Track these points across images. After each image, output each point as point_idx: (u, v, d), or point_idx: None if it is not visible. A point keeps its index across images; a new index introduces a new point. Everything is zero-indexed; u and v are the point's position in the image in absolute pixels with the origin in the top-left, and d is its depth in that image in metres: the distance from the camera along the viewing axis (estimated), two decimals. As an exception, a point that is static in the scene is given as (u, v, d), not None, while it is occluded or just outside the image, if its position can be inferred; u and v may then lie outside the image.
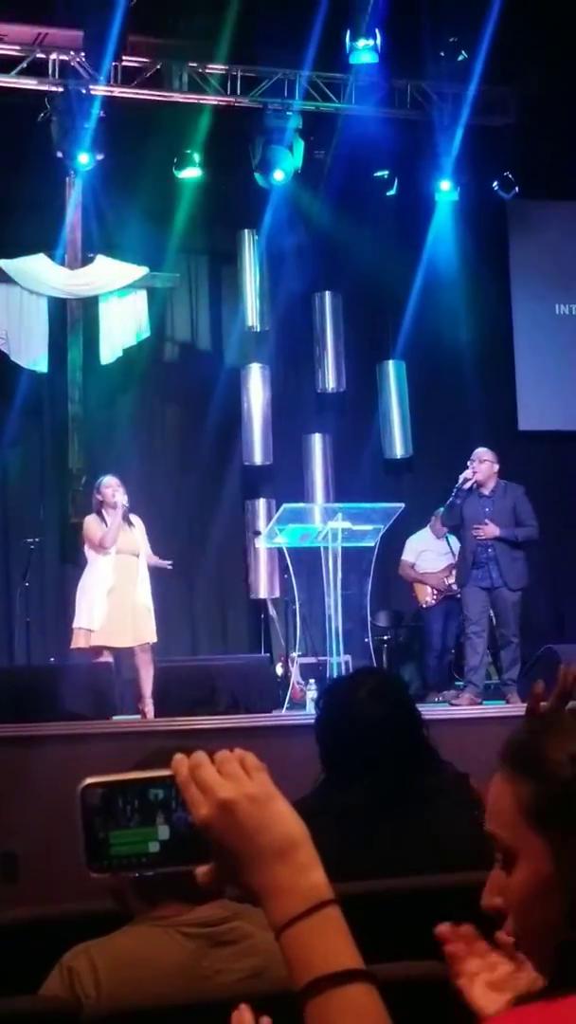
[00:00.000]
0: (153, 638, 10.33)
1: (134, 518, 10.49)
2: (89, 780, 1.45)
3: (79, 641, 10.32)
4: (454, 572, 11.55)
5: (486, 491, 10.34)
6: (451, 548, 11.50)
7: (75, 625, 10.39)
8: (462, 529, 10.39)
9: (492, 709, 9.58)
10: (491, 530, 10.16)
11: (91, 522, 10.48)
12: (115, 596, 10.20)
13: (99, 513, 10.40)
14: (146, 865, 1.45)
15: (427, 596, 12.02)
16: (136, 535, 10.41)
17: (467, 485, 10.24)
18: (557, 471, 14.21)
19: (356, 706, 3.57)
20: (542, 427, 14.31)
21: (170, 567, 10.72)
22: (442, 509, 10.95)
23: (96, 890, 2.93)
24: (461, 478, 10.30)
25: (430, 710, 8.99)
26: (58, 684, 9.22)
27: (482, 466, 10.37)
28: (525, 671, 10.40)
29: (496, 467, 10.47)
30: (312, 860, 1.41)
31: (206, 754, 1.46)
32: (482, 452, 10.56)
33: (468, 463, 10.47)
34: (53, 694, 8.98)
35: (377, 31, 12.30)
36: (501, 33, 12.13)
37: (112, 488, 10.36)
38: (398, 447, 13.69)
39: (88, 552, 10.47)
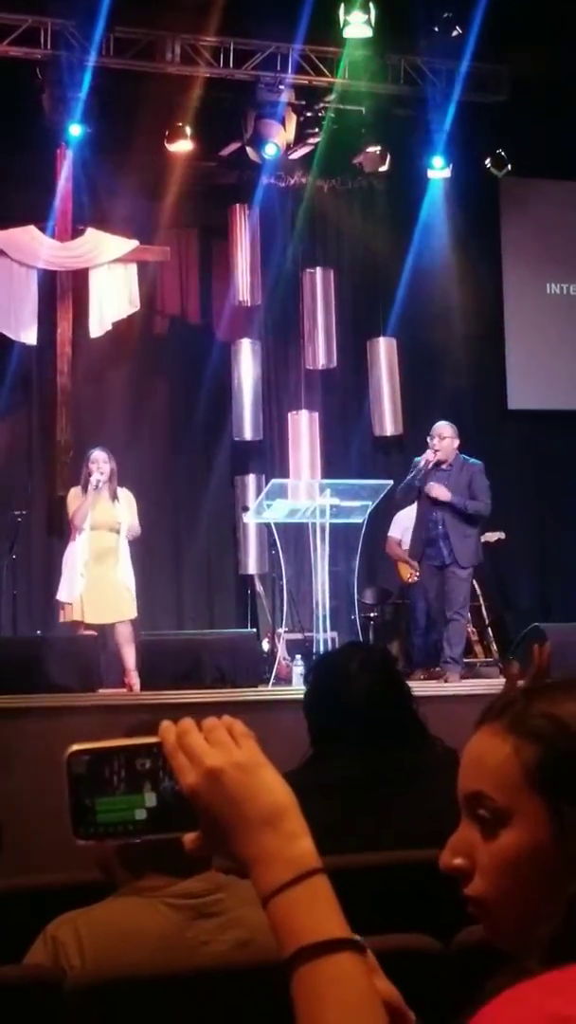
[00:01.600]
0: (131, 615, 10.31)
1: (123, 492, 10.44)
2: (75, 747, 1.43)
3: (64, 614, 10.37)
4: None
5: (444, 465, 10.31)
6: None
7: (58, 597, 10.43)
8: (419, 504, 10.33)
9: (481, 684, 9.59)
10: (441, 491, 10.12)
11: (71, 496, 10.49)
12: (90, 571, 10.17)
13: (85, 486, 10.38)
14: (132, 833, 1.42)
15: (408, 574, 12.01)
16: (119, 510, 10.35)
17: (430, 466, 10.19)
18: (545, 450, 14.22)
19: (346, 679, 3.58)
20: (531, 406, 14.31)
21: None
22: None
23: (80, 861, 2.92)
24: (422, 460, 10.23)
25: (417, 687, 9.02)
26: (44, 656, 9.20)
27: (443, 443, 10.33)
28: (512, 650, 10.42)
29: (456, 442, 10.43)
30: (300, 829, 1.39)
31: (194, 721, 1.44)
32: (443, 428, 10.53)
33: (428, 439, 10.43)
34: (39, 666, 8.96)
35: (371, 5, 12.26)
36: (495, 9, 12.09)
37: (98, 463, 10.32)
38: (388, 424, 13.67)
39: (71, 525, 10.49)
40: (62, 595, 10.42)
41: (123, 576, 10.34)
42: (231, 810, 1.38)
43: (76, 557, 10.29)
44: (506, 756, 1.47)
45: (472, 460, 10.42)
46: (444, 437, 10.34)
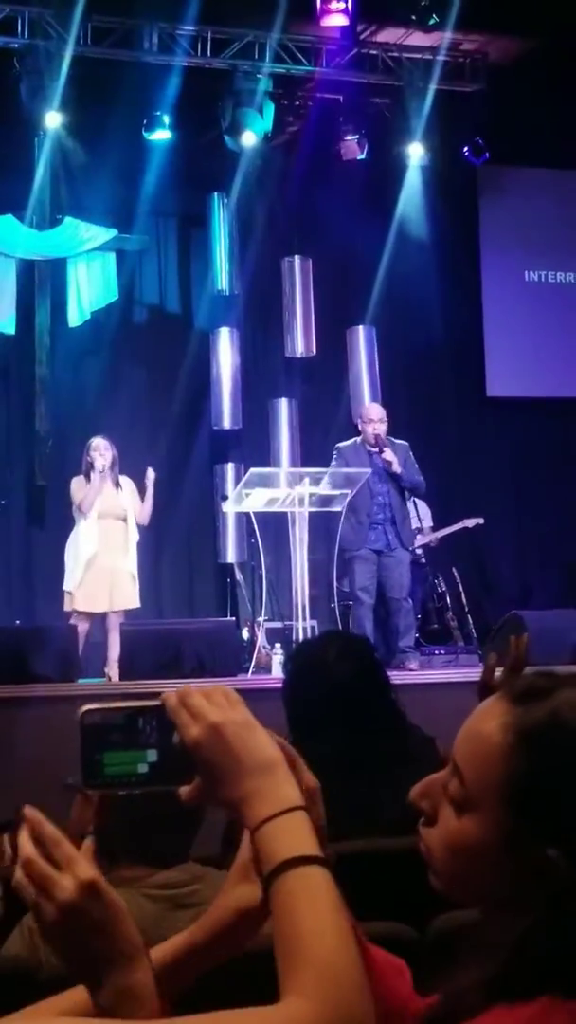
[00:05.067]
0: (134, 604, 10.39)
1: (124, 480, 10.49)
2: (88, 706, 1.58)
3: (66, 603, 10.40)
4: (418, 537, 11.59)
5: (376, 451, 10.33)
6: (417, 512, 11.51)
7: (64, 587, 10.44)
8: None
9: (457, 674, 9.59)
10: (395, 461, 10.14)
11: (75, 484, 10.48)
12: (97, 561, 10.23)
13: (87, 475, 10.39)
14: (135, 784, 1.58)
15: None
16: (124, 498, 10.41)
17: (383, 454, 10.21)
18: (525, 438, 14.25)
19: (325, 667, 3.58)
20: (510, 393, 14.34)
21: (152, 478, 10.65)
22: None
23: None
24: (378, 455, 10.25)
25: (395, 675, 9.03)
26: (23, 647, 9.18)
27: (382, 425, 10.39)
28: (491, 637, 10.42)
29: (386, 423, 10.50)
30: (288, 778, 1.53)
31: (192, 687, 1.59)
32: (379, 410, 10.60)
33: (361, 423, 10.45)
34: (18, 657, 8.95)
35: (349, -7, 12.25)
36: (473, -3, 12.10)
37: (100, 451, 10.35)
38: (381, 414, 13.64)
39: (74, 513, 10.47)
40: (66, 583, 10.43)
41: (131, 565, 10.45)
42: (229, 760, 1.52)
43: (79, 546, 10.31)
44: (496, 753, 1.53)
45: (399, 440, 10.45)
46: (384, 420, 10.41)
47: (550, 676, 1.58)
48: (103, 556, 10.27)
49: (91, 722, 1.58)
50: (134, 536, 10.47)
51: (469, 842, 1.55)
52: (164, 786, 1.58)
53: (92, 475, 10.32)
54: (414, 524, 11.54)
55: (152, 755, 1.57)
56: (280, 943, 1.42)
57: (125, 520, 10.40)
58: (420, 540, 11.79)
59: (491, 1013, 1.42)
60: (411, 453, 10.46)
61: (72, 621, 10.19)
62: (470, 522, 12.28)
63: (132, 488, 10.52)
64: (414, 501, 11.37)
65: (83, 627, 10.17)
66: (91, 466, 10.34)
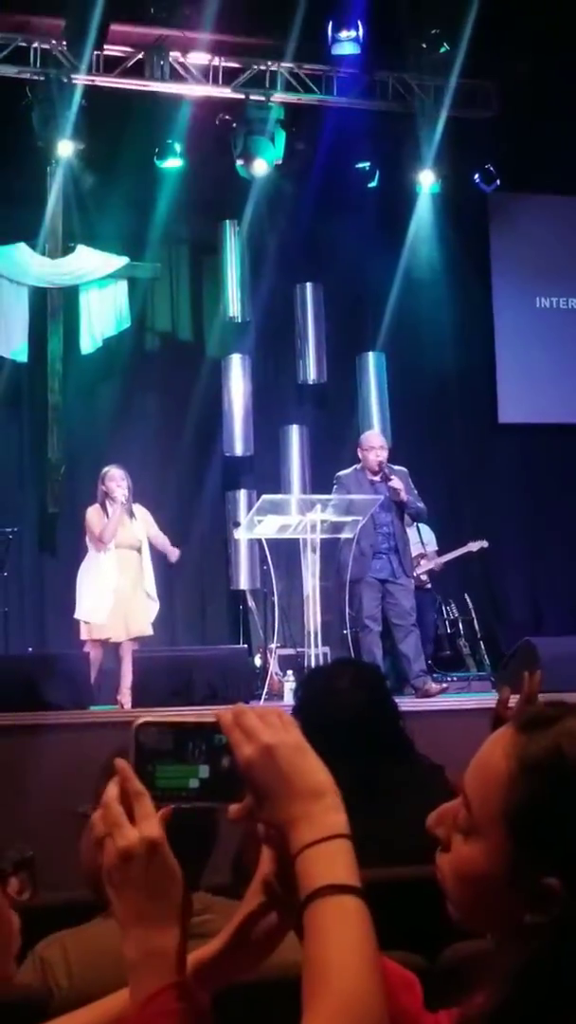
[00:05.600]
0: (148, 632, 10.44)
1: (138, 508, 10.54)
2: (144, 719, 1.62)
3: (83, 632, 10.42)
4: (422, 562, 11.58)
5: (378, 478, 10.34)
6: (420, 538, 11.51)
7: (76, 616, 10.46)
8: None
9: (469, 701, 9.57)
10: (400, 484, 10.16)
11: (92, 514, 10.49)
12: (117, 591, 10.27)
13: (103, 505, 10.43)
14: (186, 798, 1.61)
15: None
16: (137, 528, 10.45)
17: (391, 482, 10.24)
18: (536, 464, 14.24)
19: (336, 694, 3.58)
20: (522, 420, 14.34)
21: (175, 558, 10.76)
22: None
23: (70, 879, 2.93)
24: (381, 482, 10.28)
25: (407, 702, 9.02)
26: (35, 674, 9.19)
27: (384, 452, 10.41)
28: (504, 663, 10.40)
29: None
30: (337, 805, 1.55)
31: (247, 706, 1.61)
32: (379, 438, 10.64)
33: (362, 451, 10.47)
34: (30, 684, 8.95)
35: (359, 23, 12.31)
36: (483, 25, 12.12)
37: (116, 480, 10.39)
38: (384, 441, 13.65)
39: (88, 542, 10.49)
40: (81, 613, 10.45)
41: (150, 588, 10.54)
42: (279, 782, 1.53)
43: (95, 576, 10.34)
44: (499, 781, 1.55)
45: (397, 467, 10.48)
46: (384, 447, 10.44)
47: (558, 705, 1.59)
48: (122, 586, 10.31)
49: (145, 735, 1.61)
50: (148, 565, 10.52)
51: (476, 870, 1.56)
52: (214, 802, 1.61)
53: (110, 505, 10.34)
54: (418, 550, 11.53)
55: (204, 771, 1.60)
56: (308, 967, 1.45)
57: (139, 551, 10.43)
58: (424, 565, 11.77)
59: None
60: (410, 479, 10.47)
61: (86, 649, 10.21)
62: (474, 546, 12.25)
63: (146, 517, 10.56)
64: (417, 527, 11.39)
65: (96, 654, 10.19)
66: (106, 495, 10.36)
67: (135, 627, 10.40)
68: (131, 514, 10.45)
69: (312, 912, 1.46)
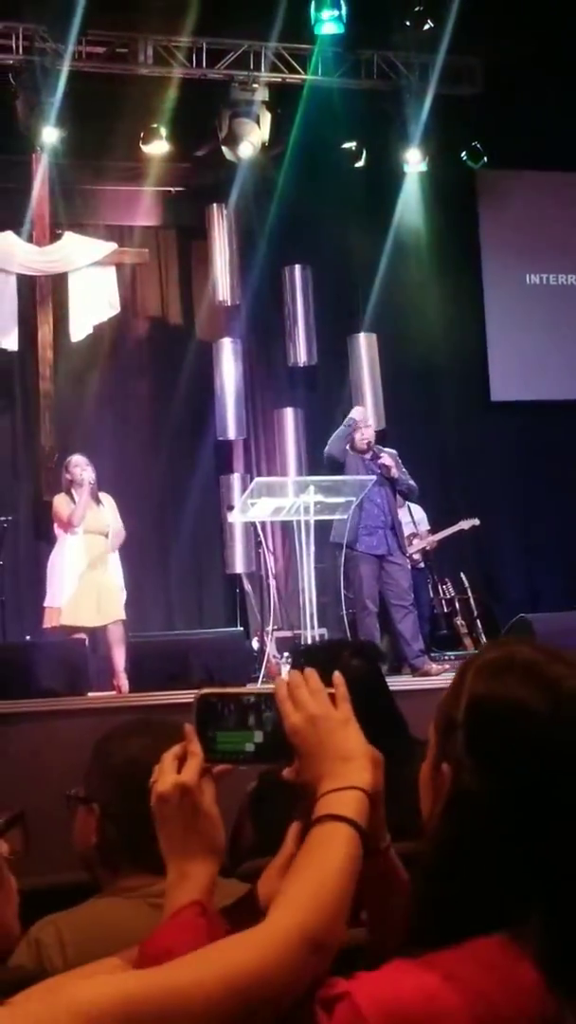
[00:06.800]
0: (121, 616, 10.40)
1: (104, 496, 10.54)
2: (206, 690, 1.85)
3: (51, 620, 10.38)
4: (415, 541, 11.57)
5: (367, 456, 10.34)
6: (412, 517, 11.50)
7: (45, 604, 10.45)
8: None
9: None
10: (390, 461, 10.16)
11: (60, 501, 10.54)
12: (85, 576, 10.26)
13: (68, 492, 10.47)
14: (243, 760, 1.84)
15: None
16: (105, 513, 10.45)
17: (381, 459, 10.25)
18: (529, 441, 14.23)
19: (336, 667, 3.59)
20: (514, 397, 14.33)
21: (111, 550, 10.71)
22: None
23: (69, 863, 2.93)
24: (371, 460, 10.28)
25: (403, 682, 9.04)
26: (32, 661, 9.19)
27: (368, 430, 10.43)
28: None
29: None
30: (366, 768, 1.76)
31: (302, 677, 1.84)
32: (365, 414, 10.64)
33: (352, 426, 10.47)
34: (27, 671, 8.95)
35: (342, 1, 12.26)
36: (467, 1, 12.09)
37: (80, 467, 10.42)
38: (370, 420, 13.64)
39: (57, 531, 10.52)
40: (51, 600, 10.45)
41: (116, 577, 10.47)
42: (318, 747, 1.76)
43: (65, 562, 10.34)
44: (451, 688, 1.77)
45: (387, 449, 10.51)
46: (369, 425, 10.49)
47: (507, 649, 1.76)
48: (90, 571, 10.31)
49: (206, 704, 1.83)
50: (114, 551, 10.53)
51: (424, 775, 1.76)
52: (266, 763, 1.84)
53: (76, 492, 10.38)
54: (410, 529, 11.53)
55: (258, 736, 1.82)
56: (291, 870, 1.67)
57: (106, 536, 10.44)
58: (417, 545, 11.76)
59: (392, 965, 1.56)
60: (400, 462, 10.48)
61: (75, 635, 10.21)
62: (466, 524, 12.23)
63: (112, 505, 10.58)
64: (408, 506, 11.39)
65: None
66: (71, 483, 10.41)
67: (111, 611, 10.37)
68: (98, 500, 10.47)
69: (314, 831, 1.68)
